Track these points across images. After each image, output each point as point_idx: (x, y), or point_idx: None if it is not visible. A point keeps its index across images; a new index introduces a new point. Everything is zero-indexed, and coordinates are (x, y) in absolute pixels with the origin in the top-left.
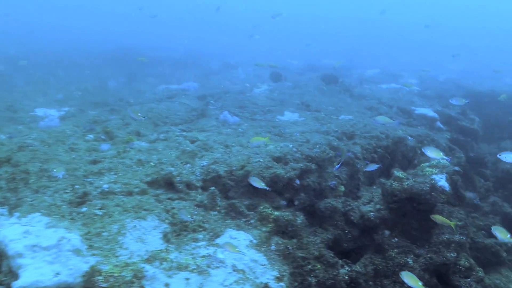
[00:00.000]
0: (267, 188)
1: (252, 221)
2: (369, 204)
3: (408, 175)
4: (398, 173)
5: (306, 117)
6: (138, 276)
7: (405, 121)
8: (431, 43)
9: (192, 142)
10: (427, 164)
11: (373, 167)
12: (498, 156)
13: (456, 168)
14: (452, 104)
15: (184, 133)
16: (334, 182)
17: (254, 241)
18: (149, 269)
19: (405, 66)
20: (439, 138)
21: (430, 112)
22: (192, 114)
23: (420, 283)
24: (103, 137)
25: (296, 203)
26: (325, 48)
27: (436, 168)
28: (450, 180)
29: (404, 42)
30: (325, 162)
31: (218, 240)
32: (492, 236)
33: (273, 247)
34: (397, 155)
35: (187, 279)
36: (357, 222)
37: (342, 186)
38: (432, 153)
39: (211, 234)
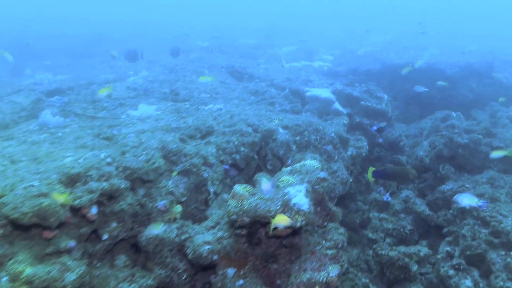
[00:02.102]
0: None
1: None
2: (212, 229)
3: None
4: (239, 187)
5: (165, 110)
6: None
7: (289, 107)
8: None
9: None
10: (288, 169)
11: None
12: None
13: (322, 174)
14: (359, 82)
15: None
16: (164, 201)
17: None
18: None
19: (328, 42)
20: (330, 125)
21: (324, 93)
22: (20, 115)
23: None
24: None
25: (105, 237)
26: (244, 26)
27: (298, 175)
28: (313, 193)
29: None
30: (150, 174)
31: None
32: (400, 243)
33: None
34: (267, 153)
35: None
36: (192, 258)
37: (178, 206)
38: None
39: None
